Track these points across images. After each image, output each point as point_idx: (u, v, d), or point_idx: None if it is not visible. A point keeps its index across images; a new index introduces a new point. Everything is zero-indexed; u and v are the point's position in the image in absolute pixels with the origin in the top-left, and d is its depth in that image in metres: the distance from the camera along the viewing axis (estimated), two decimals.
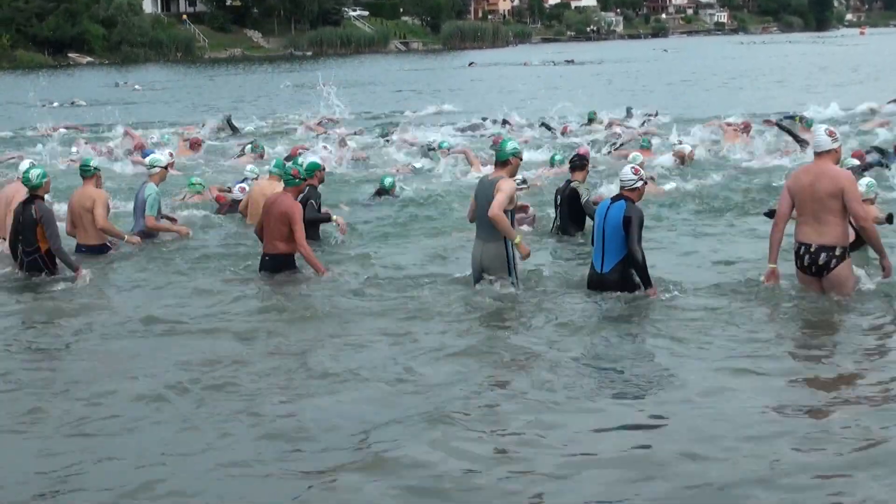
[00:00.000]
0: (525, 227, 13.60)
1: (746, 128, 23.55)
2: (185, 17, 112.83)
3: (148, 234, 13.64)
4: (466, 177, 19.03)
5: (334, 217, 13.60)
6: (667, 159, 19.80)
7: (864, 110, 29.94)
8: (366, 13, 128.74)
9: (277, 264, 11.60)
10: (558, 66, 74.58)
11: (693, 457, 6.63)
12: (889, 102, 30.42)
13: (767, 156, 20.50)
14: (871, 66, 61.34)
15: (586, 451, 6.83)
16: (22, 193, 12.08)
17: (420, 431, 7.15)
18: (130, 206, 14.47)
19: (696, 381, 7.99)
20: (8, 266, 12.14)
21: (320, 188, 13.80)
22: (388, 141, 25.48)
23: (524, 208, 13.62)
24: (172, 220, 14.34)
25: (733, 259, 12.25)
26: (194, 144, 24.21)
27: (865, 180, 12.42)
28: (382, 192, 17.16)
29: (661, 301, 10.17)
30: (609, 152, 21.45)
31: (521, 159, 10.75)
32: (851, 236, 9.98)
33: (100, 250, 12.97)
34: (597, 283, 10.45)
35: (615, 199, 10.40)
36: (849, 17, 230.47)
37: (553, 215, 14.09)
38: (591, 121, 27.87)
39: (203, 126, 30.26)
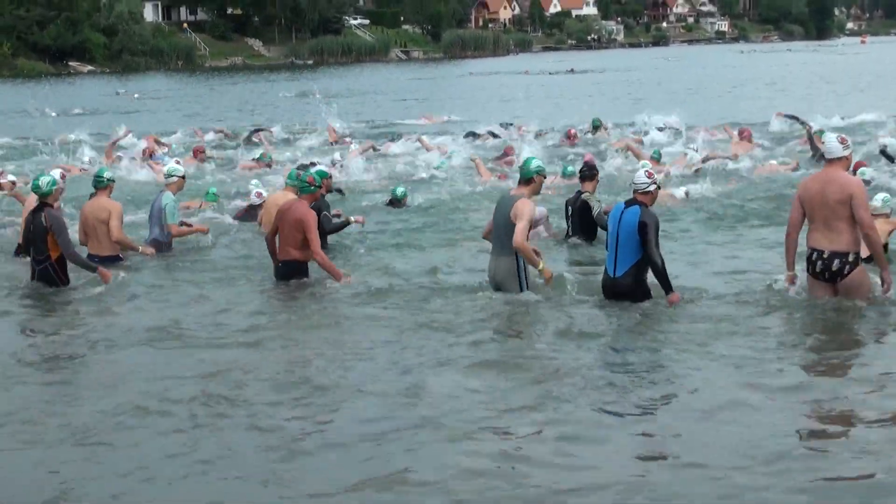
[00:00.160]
0: (542, 232, 13.57)
1: (748, 136, 23.49)
2: (185, 25, 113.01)
3: (159, 245, 13.56)
4: (477, 186, 19.07)
5: (351, 218, 13.77)
6: (675, 168, 19.69)
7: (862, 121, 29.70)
8: (366, 22, 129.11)
9: (290, 271, 11.62)
10: (558, 76, 74.48)
11: (708, 472, 6.50)
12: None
13: (770, 162, 20.43)
14: (874, 75, 61.34)
15: (596, 464, 6.70)
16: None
17: (429, 443, 7.05)
18: (136, 215, 14.38)
19: (709, 394, 7.85)
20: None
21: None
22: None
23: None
24: (188, 224, 14.29)
25: (742, 269, 12.14)
26: (197, 153, 24.18)
27: (882, 195, 12.42)
28: (395, 202, 17.13)
29: (672, 310, 10.07)
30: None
31: (545, 177, 10.81)
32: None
33: (112, 261, 12.88)
34: (610, 288, 10.39)
35: (629, 203, 10.30)
36: (850, 25, 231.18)
37: (564, 225, 14.04)
38: (595, 128, 27.74)
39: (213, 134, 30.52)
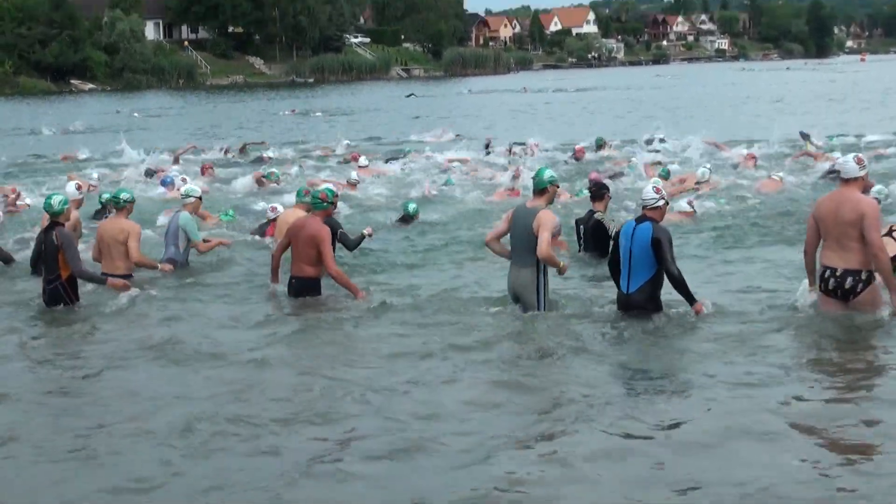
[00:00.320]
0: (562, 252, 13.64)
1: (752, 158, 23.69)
2: (186, 43, 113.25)
3: (175, 263, 13.56)
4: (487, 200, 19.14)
5: (364, 232, 13.81)
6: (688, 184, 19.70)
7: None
8: (367, 40, 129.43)
9: (303, 288, 11.62)
10: (559, 94, 74.61)
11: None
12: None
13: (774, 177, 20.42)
14: (875, 92, 61.44)
15: (602, 481, 6.68)
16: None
17: (440, 467, 7.01)
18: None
19: (724, 420, 7.72)
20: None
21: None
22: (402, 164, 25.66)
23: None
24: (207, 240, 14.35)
25: (748, 286, 12.06)
26: (206, 170, 24.37)
27: None
28: (406, 218, 17.16)
29: (684, 329, 10.06)
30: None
31: (559, 187, 10.90)
32: None
33: (124, 278, 12.82)
34: (623, 305, 10.40)
35: (639, 220, 10.33)
36: (849, 43, 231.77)
37: (575, 242, 14.06)
38: (599, 147, 27.76)
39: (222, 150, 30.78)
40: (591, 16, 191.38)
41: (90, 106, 67.27)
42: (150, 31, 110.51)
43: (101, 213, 16.27)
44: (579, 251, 13.81)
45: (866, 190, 16.60)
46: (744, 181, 20.80)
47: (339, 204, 16.48)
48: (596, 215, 13.49)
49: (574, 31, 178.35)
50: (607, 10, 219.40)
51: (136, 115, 57.02)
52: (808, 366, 8.93)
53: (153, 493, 6.72)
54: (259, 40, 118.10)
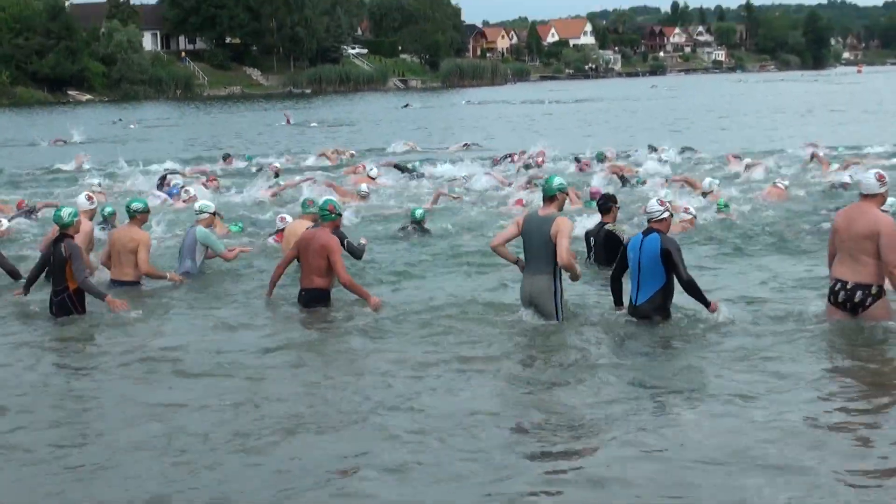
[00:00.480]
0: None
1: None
2: (184, 54, 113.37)
3: (190, 277, 13.60)
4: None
5: (362, 241, 13.95)
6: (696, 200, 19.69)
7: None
8: (365, 51, 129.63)
9: (313, 299, 11.65)
10: (556, 105, 74.65)
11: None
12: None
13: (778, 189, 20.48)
14: (874, 104, 61.59)
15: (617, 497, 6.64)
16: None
17: (444, 484, 6.96)
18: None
19: (732, 439, 7.64)
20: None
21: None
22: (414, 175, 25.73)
23: None
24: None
25: (756, 296, 12.03)
26: (210, 181, 24.46)
27: None
28: (414, 223, 17.19)
29: (690, 337, 10.10)
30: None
31: (568, 194, 11.02)
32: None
33: (132, 285, 12.98)
34: (632, 315, 10.59)
35: (646, 232, 10.51)
36: (846, 55, 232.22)
37: (583, 252, 14.06)
38: (600, 161, 27.83)
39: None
40: (589, 27, 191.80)
41: (85, 117, 67.09)
42: (148, 42, 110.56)
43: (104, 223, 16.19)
44: (585, 261, 13.81)
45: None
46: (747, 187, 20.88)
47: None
48: (607, 226, 13.60)
49: (571, 42, 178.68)
50: (604, 22, 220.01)
51: (132, 126, 56.90)
52: (820, 380, 8.87)
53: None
54: (256, 51, 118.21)
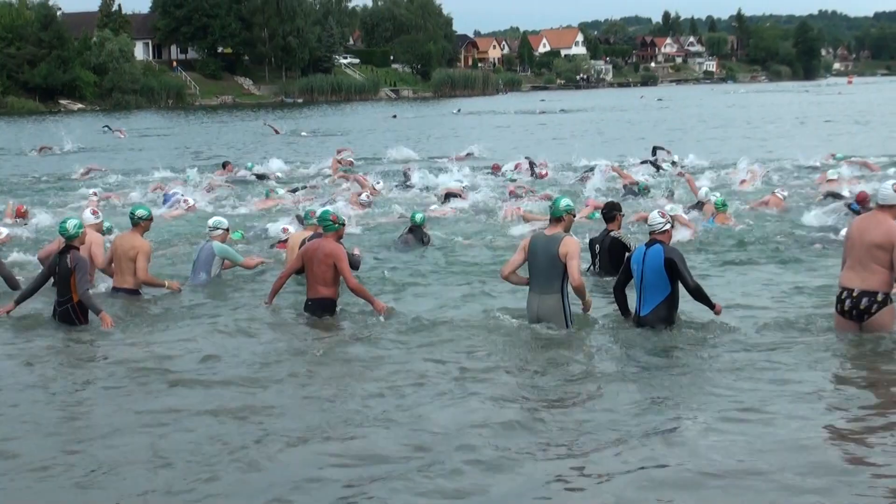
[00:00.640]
0: None
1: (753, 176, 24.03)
2: (175, 63, 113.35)
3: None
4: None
5: (356, 250, 13.97)
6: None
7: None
8: (356, 61, 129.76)
9: (319, 308, 11.71)
10: (544, 115, 74.66)
11: None
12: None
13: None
14: (867, 114, 61.76)
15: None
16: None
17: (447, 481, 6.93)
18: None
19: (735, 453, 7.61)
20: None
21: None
22: (408, 185, 25.74)
23: None
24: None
25: (750, 305, 12.07)
26: (209, 189, 24.63)
27: None
28: (414, 228, 17.15)
29: (695, 348, 10.09)
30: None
31: (575, 216, 11.14)
32: None
33: (133, 294, 12.98)
34: (637, 326, 10.68)
35: (649, 244, 10.62)
36: (836, 66, 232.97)
37: (588, 261, 14.04)
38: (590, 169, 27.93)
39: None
40: (580, 37, 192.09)
41: (75, 126, 66.88)
42: (140, 52, 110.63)
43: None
44: (587, 269, 13.80)
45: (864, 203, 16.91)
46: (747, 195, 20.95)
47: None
48: (612, 233, 13.66)
49: (563, 52, 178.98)
50: (596, 32, 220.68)
51: (118, 135, 56.45)
52: (826, 391, 8.85)
53: None
54: (248, 61, 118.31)
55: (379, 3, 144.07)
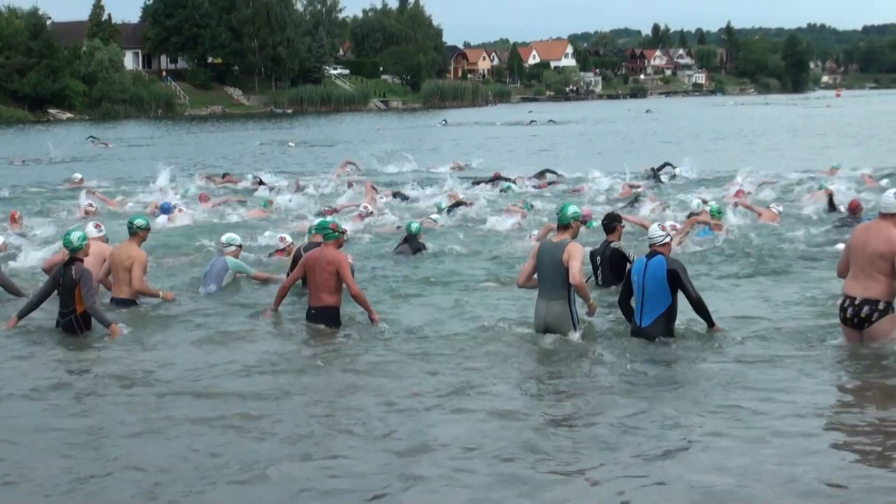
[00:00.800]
0: None
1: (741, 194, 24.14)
2: (164, 73, 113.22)
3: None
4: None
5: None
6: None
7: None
8: (346, 72, 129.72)
9: (323, 317, 11.79)
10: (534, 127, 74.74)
11: None
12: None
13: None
14: (857, 127, 61.98)
15: None
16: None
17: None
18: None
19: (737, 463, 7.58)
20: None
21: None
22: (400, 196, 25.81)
23: None
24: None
25: (744, 316, 12.12)
26: (203, 199, 24.71)
27: None
28: (409, 237, 17.23)
29: (698, 360, 10.11)
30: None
31: (582, 222, 11.32)
32: None
33: (129, 304, 12.99)
34: (637, 336, 10.76)
35: (650, 255, 10.71)
36: (825, 79, 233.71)
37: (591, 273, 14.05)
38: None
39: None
40: (570, 49, 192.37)
41: (63, 135, 66.83)
42: (129, 61, 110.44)
43: None
44: (587, 280, 13.79)
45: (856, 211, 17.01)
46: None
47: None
48: (612, 244, 13.71)
49: (552, 64, 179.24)
50: (585, 44, 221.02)
51: (107, 145, 56.16)
52: (832, 403, 8.88)
53: None
54: (238, 71, 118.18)
55: (369, 14, 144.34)
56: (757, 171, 29.14)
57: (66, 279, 11.63)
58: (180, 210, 21.65)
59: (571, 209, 10.93)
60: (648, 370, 9.82)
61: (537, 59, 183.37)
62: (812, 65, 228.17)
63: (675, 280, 10.42)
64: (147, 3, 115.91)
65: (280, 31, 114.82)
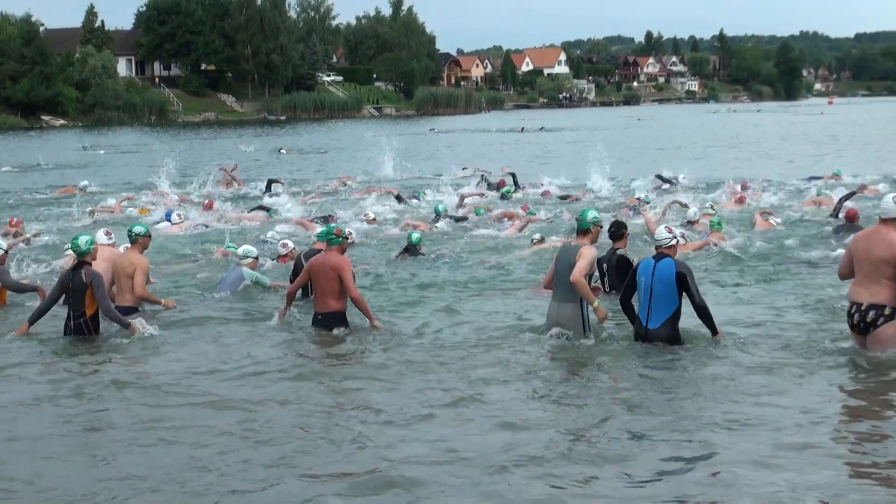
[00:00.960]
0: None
1: (741, 200, 24.28)
2: (158, 80, 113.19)
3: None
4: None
5: None
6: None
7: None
8: (340, 78, 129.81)
9: (329, 322, 11.84)
10: (533, 133, 74.82)
11: None
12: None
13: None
14: (848, 135, 62.14)
15: None
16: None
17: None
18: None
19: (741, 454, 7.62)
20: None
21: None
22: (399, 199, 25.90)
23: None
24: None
25: (748, 322, 12.07)
26: (209, 205, 24.93)
27: None
28: (410, 248, 17.20)
29: (704, 365, 10.11)
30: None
31: (602, 227, 11.39)
32: None
33: (130, 312, 12.84)
34: (643, 338, 10.75)
35: (657, 257, 10.72)
36: (817, 86, 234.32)
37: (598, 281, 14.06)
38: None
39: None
40: (563, 56, 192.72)
41: (56, 142, 66.80)
42: (123, 68, 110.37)
43: None
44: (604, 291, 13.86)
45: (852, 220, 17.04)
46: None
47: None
48: (619, 251, 13.71)
49: (546, 71, 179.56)
50: (579, 52, 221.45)
51: (93, 149, 55.99)
52: (837, 410, 8.85)
53: None
54: (231, 78, 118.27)
55: (362, 21, 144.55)
56: (757, 178, 29.22)
57: (75, 283, 11.69)
58: (179, 216, 21.62)
59: (591, 214, 11.06)
60: (655, 376, 9.78)
61: (531, 67, 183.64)
62: (805, 72, 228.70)
63: (682, 283, 10.44)
64: (140, 9, 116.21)
65: (273, 38, 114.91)
